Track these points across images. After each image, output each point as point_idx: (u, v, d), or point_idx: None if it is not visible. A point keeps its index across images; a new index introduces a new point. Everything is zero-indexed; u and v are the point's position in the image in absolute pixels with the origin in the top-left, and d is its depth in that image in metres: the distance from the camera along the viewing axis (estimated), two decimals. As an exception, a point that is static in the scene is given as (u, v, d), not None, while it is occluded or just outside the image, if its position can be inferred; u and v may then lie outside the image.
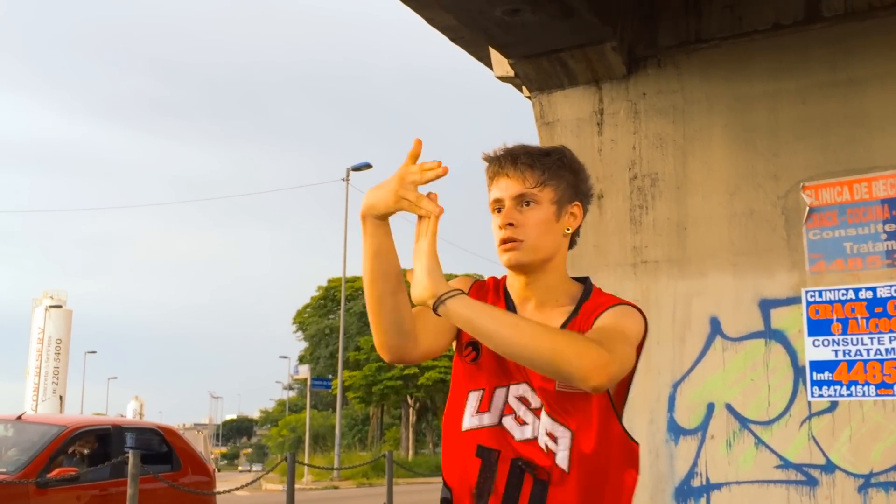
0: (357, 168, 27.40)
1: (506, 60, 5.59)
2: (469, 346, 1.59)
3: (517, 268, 1.58)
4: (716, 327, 6.76)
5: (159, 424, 7.83)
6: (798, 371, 6.41)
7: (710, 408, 6.86)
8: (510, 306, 1.61)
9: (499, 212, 1.58)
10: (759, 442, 6.57)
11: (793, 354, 6.51)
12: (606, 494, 1.51)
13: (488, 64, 6.05)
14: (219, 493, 7.43)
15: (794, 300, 6.48)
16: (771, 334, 6.61)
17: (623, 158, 7.40)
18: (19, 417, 7.10)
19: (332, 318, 42.67)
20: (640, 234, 7.22)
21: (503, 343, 1.39)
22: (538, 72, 5.79)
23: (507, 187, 1.56)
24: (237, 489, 8.00)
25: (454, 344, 1.63)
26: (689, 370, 6.87)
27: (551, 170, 1.59)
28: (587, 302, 1.60)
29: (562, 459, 1.50)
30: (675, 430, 6.87)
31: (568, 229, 1.62)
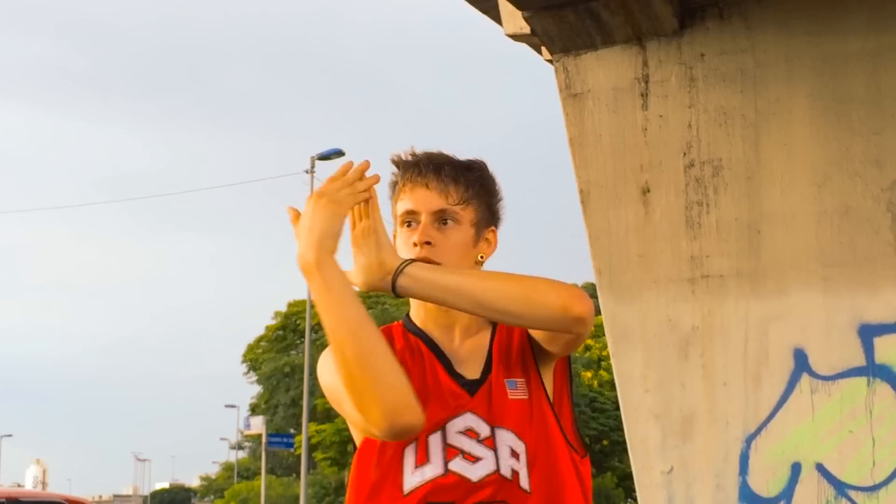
0: (325, 156, 27.29)
1: (519, 13, 5.58)
2: None
3: None
4: (802, 362, 6.71)
5: (67, 497, 7.80)
6: (911, 419, 6.37)
7: (796, 469, 6.80)
8: (429, 340, 1.79)
9: (408, 225, 1.75)
10: (862, 514, 6.52)
11: (904, 397, 6.47)
12: None
13: (496, 18, 6.05)
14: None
15: (905, 325, 6.44)
16: (875, 371, 6.56)
17: (675, 140, 7.37)
18: None
19: (293, 353, 42.67)
20: (700, 239, 7.19)
21: (474, 294, 1.59)
22: (562, 27, 5.78)
23: (427, 200, 1.73)
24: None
25: None
26: (767, 420, 6.82)
27: (475, 187, 1.76)
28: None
29: (524, 478, 1.68)
30: (750, 499, 6.81)
31: (481, 257, 1.79)
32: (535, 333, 1.72)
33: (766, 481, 6.63)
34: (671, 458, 6.91)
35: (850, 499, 6.40)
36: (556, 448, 1.71)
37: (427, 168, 1.74)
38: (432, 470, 1.67)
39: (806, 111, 6.72)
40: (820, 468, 6.50)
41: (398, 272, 1.59)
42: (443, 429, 1.70)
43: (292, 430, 36.63)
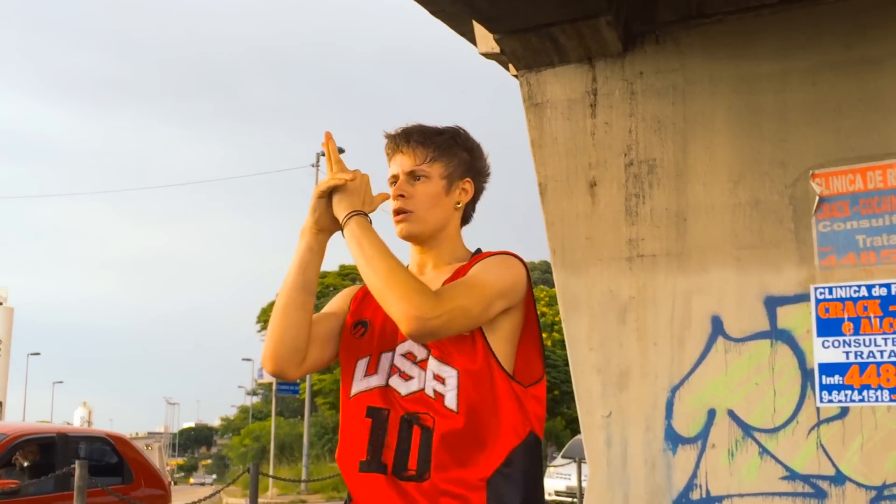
0: (328, 153, 27.36)
1: (491, 36, 5.59)
2: (359, 325, 1.82)
3: (409, 237, 1.82)
4: (718, 327, 6.79)
5: (109, 433, 7.77)
6: (806, 374, 6.45)
7: (712, 414, 6.89)
8: None
9: (394, 185, 1.84)
10: (764, 451, 6.61)
11: (800, 356, 6.55)
12: (493, 435, 1.69)
13: (472, 40, 6.05)
14: (175, 507, 7.41)
15: (803, 297, 6.52)
16: (777, 335, 6.65)
17: (618, 143, 7.41)
18: (-46, 424, 7.05)
19: (300, 316, 42.59)
20: (637, 225, 7.24)
21: (362, 269, 1.66)
22: (526, 48, 5.80)
23: (401, 163, 1.82)
24: None
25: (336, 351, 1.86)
26: (689, 374, 6.90)
27: (441, 147, 1.81)
28: (471, 260, 1.84)
29: (450, 400, 1.69)
30: (674, 439, 6.90)
31: (458, 203, 1.84)
32: None
33: (686, 424, 6.70)
34: (610, 405, 6.97)
35: (754, 439, 6.48)
36: (489, 377, 1.71)
37: (400, 138, 1.81)
38: (376, 381, 1.73)
39: (725, 121, 6.76)
40: (731, 413, 6.57)
41: (349, 216, 1.67)
42: (394, 350, 1.75)
43: (298, 380, 36.55)
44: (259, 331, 45.44)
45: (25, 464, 6.82)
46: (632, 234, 7.26)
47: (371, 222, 1.71)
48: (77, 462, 5.62)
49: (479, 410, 1.69)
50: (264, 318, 44.77)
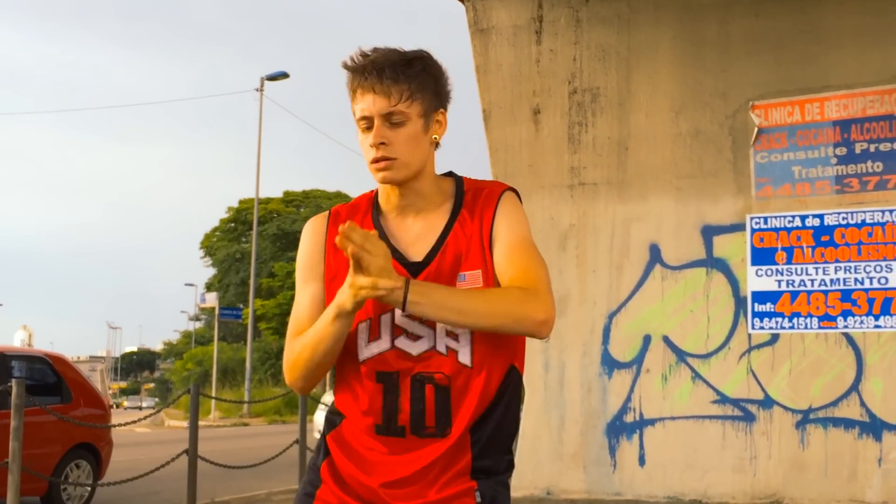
0: (272, 77, 26.90)
1: (437, -44, 5.49)
2: (336, 280, 1.72)
3: (392, 183, 1.70)
4: (655, 255, 6.88)
5: (48, 353, 7.68)
6: (739, 302, 6.58)
7: (647, 340, 7.02)
8: (376, 219, 1.76)
9: (367, 129, 1.68)
10: (697, 376, 6.76)
11: (734, 284, 6.67)
12: (498, 379, 1.68)
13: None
14: (113, 426, 7.35)
15: (739, 227, 6.62)
16: (713, 263, 6.76)
17: (563, 71, 7.40)
18: None
19: (243, 242, 42.30)
20: (579, 153, 7.27)
21: (460, 325, 1.60)
22: (472, -30, 5.69)
23: (375, 104, 1.66)
24: (134, 422, 7.97)
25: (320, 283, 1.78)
26: (626, 300, 7.00)
27: (416, 82, 1.67)
28: (465, 199, 1.74)
29: (464, 356, 1.65)
30: (609, 364, 7.02)
31: (435, 137, 1.73)
32: (495, 251, 1.68)
33: (622, 349, 6.81)
34: (548, 330, 7.06)
35: (688, 364, 6.61)
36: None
37: (371, 73, 1.65)
38: (383, 345, 1.67)
39: (669, 51, 6.77)
40: (666, 339, 6.69)
41: (404, 297, 1.54)
42: (392, 310, 1.66)
43: (241, 305, 36.41)
44: (202, 256, 45.13)
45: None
46: (574, 162, 7.28)
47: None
48: (14, 380, 5.54)
49: (491, 362, 1.67)
50: (207, 243, 44.42)
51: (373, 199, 1.80)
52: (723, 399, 6.47)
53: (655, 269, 6.75)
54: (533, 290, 1.60)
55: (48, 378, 7.25)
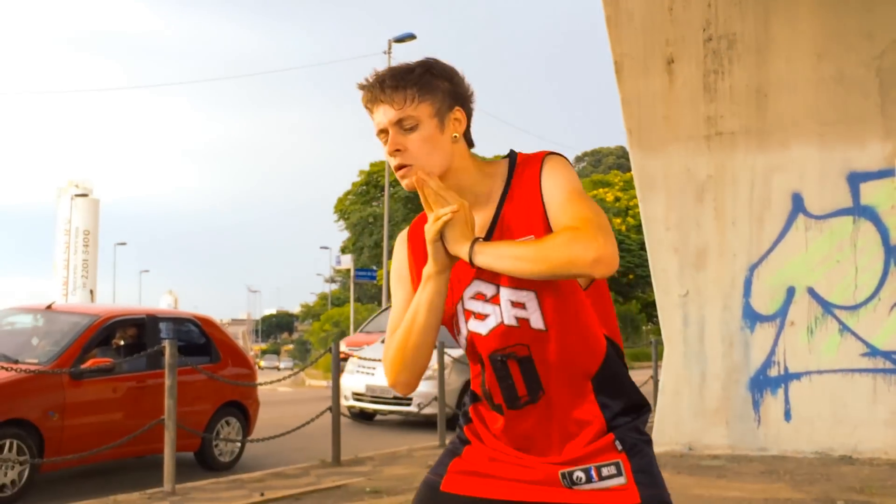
0: (400, 39, 27.09)
1: None
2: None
3: (415, 189, 1.75)
4: (798, 204, 6.66)
5: (196, 314, 7.97)
6: (889, 251, 6.32)
7: (791, 292, 6.82)
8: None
9: (385, 141, 1.74)
10: (845, 328, 6.54)
11: (884, 233, 6.41)
12: (584, 347, 1.70)
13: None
14: (261, 384, 7.61)
15: (887, 173, 6.34)
16: (860, 211, 6.51)
17: (696, 18, 7.20)
18: (49, 307, 7.29)
19: (375, 205, 42.86)
20: (715, 102, 7.08)
21: (522, 275, 1.63)
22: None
23: (385, 114, 1.72)
24: (278, 381, 8.22)
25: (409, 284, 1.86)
26: (768, 252, 6.82)
27: (419, 84, 1.72)
28: (514, 176, 1.76)
29: (536, 320, 1.69)
30: (752, 317, 6.86)
31: (455, 135, 1.76)
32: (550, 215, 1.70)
33: (765, 302, 6.65)
34: (687, 284, 6.94)
35: (835, 316, 6.41)
36: (563, 288, 1.71)
37: (375, 87, 1.72)
38: (462, 333, 1.76)
39: (809, -8, 6.50)
40: (811, 291, 6.50)
41: (471, 251, 1.62)
42: (462, 298, 1.75)
43: (374, 267, 37.00)
44: (336, 220, 45.98)
45: (119, 343, 7.05)
46: (710, 111, 7.10)
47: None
48: (167, 341, 5.78)
49: (564, 322, 1.70)
50: (340, 207, 45.20)
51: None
52: (873, 352, 6.24)
53: (798, 220, 6.54)
54: (583, 230, 1.61)
55: (197, 339, 7.53)
